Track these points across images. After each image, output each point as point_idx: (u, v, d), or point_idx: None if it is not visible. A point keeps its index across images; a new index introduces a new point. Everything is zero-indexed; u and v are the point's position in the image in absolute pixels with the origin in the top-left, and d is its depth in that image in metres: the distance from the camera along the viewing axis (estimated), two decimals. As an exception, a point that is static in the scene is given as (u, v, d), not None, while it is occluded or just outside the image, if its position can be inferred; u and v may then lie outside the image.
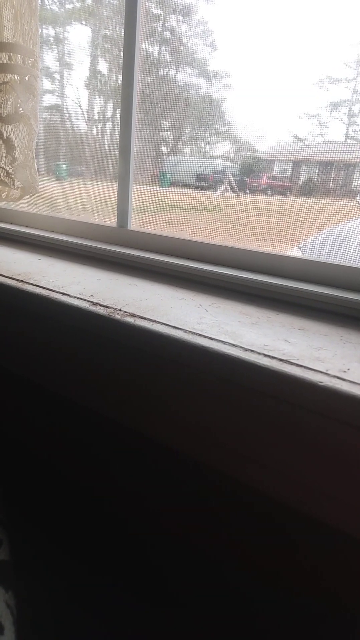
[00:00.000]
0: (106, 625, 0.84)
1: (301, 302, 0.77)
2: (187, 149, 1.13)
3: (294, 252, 0.91)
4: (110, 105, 1.32)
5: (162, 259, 0.92)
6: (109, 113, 1.31)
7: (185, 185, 1.14)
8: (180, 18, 1.05)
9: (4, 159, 0.91)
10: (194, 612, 0.78)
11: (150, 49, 1.09)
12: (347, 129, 0.88)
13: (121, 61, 0.98)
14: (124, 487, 0.83)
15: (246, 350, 0.58)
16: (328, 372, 0.53)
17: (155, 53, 1.10)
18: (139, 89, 1.00)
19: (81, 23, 1.26)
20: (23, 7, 0.86)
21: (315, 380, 0.51)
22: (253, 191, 1.03)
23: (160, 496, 0.77)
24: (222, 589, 0.74)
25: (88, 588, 0.88)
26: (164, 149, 1.15)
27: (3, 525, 0.76)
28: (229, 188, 1.05)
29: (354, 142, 0.87)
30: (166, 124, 1.11)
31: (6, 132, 0.89)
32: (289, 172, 0.98)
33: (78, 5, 1.28)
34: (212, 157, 1.08)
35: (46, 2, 1.28)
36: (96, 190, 1.29)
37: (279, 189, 1.00)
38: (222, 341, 0.60)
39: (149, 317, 0.68)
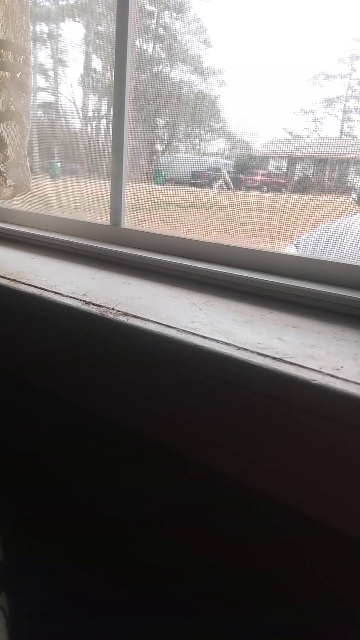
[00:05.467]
0: (102, 626, 0.83)
1: (295, 300, 0.77)
2: (181, 146, 1.12)
3: (290, 249, 0.91)
4: (104, 103, 1.31)
5: (155, 257, 0.92)
6: (103, 110, 1.31)
7: (180, 183, 1.13)
8: (174, 14, 1.04)
9: (-4, 157, 0.91)
10: (193, 612, 0.78)
11: (144, 46, 1.08)
12: (342, 125, 0.87)
13: (114, 58, 0.97)
14: (118, 486, 0.82)
15: (239, 348, 0.57)
16: (321, 370, 0.52)
17: (149, 50, 1.09)
18: (132, 86, 0.99)
19: (74, 20, 1.25)
20: (14, 3, 0.86)
21: (308, 378, 0.51)
22: (248, 188, 1.02)
23: (156, 495, 0.77)
24: (221, 589, 0.74)
25: (84, 589, 0.87)
26: (158, 146, 1.15)
27: (-3, 526, 0.76)
28: (224, 185, 1.04)
29: (349, 138, 0.87)
30: (160, 121, 1.10)
31: (-2, 130, 0.89)
32: (284, 169, 0.97)
33: (71, 1, 1.26)
34: (206, 154, 1.07)
35: (38, -1, 1.27)
36: (90, 188, 1.28)
37: (274, 186, 0.99)
38: (215, 340, 0.60)
39: (142, 316, 0.67)
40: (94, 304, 0.71)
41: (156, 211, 1.10)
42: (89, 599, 0.87)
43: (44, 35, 1.30)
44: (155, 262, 0.92)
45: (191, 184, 1.10)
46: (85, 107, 1.32)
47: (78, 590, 0.87)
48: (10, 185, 0.94)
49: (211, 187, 1.06)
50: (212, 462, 0.66)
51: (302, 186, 0.94)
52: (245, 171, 1.01)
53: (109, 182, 1.04)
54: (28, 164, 0.96)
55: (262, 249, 0.85)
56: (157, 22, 1.06)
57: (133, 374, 0.71)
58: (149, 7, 1.06)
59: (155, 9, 1.06)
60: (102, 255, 1.01)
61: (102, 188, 1.16)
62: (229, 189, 1.04)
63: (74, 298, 0.74)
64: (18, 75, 0.88)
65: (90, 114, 1.31)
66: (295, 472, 0.57)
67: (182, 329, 0.63)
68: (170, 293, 0.80)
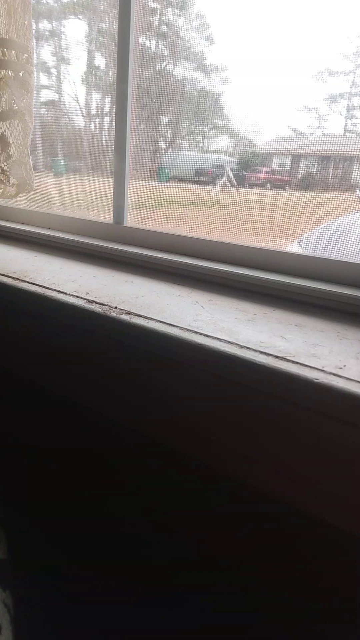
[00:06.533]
0: (105, 624, 0.84)
1: (298, 298, 0.77)
2: (185, 144, 1.12)
3: (293, 247, 0.90)
4: (107, 100, 1.31)
5: (158, 256, 0.92)
6: (106, 108, 1.30)
7: (184, 180, 1.13)
8: (177, 11, 1.04)
9: (-1, 156, 0.91)
10: (194, 612, 0.78)
11: (147, 43, 1.08)
12: (346, 122, 0.86)
13: (117, 56, 0.97)
14: (121, 485, 0.83)
15: (242, 347, 0.57)
16: (324, 368, 0.52)
17: (152, 47, 1.08)
18: (135, 83, 0.99)
19: (77, 17, 1.25)
20: (16, 1, 0.85)
21: (311, 377, 0.51)
22: (252, 185, 1.02)
23: (158, 494, 0.77)
24: (221, 588, 0.74)
25: (86, 587, 0.87)
26: (162, 144, 1.14)
27: (1, 524, 0.76)
28: (227, 183, 1.04)
29: (353, 135, 0.86)
30: (164, 119, 1.10)
31: (0, 128, 0.88)
32: (287, 166, 0.97)
33: (74, -2, 1.26)
34: (210, 152, 1.07)
35: (41, -4, 1.27)
36: (94, 186, 1.28)
37: (278, 183, 0.99)
38: (218, 338, 0.60)
39: (145, 315, 0.67)
40: (97, 303, 0.71)
41: (159, 209, 1.10)
42: (91, 597, 0.87)
43: (47, 32, 1.30)
44: (158, 260, 0.92)
45: (194, 182, 1.10)
46: (88, 104, 1.31)
47: (80, 588, 0.88)
48: (13, 184, 0.94)
49: (215, 185, 1.06)
50: (214, 461, 0.66)
51: (306, 183, 0.94)
52: (249, 168, 1.01)
53: (112, 180, 1.04)
54: (31, 162, 0.96)
55: (265, 247, 0.85)
56: (160, 19, 1.06)
57: (135, 373, 0.71)
58: (151, 4, 1.05)
59: (158, 6, 1.06)
60: (105, 253, 1.01)
61: (105, 186, 1.16)
62: (232, 186, 1.04)
63: (77, 297, 0.74)
64: (21, 74, 0.88)
65: (93, 112, 1.31)
66: (297, 470, 0.57)
67: (185, 327, 0.63)
68: (173, 291, 0.80)
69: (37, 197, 1.38)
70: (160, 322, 0.65)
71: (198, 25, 0.99)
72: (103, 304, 0.71)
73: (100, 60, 1.28)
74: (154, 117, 1.08)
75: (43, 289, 0.78)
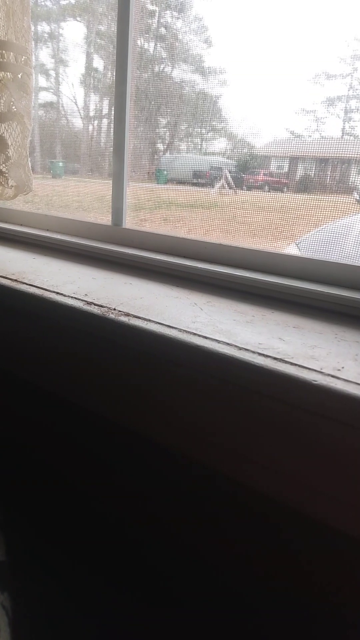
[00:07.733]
0: (103, 626, 0.83)
1: (296, 300, 0.77)
2: (183, 146, 1.12)
3: (291, 249, 0.91)
4: (105, 102, 1.31)
5: (157, 258, 0.92)
6: (105, 110, 1.31)
7: (182, 182, 1.13)
8: (175, 14, 1.04)
9: (-2, 158, 0.91)
10: (193, 613, 0.78)
11: (146, 46, 1.08)
12: (344, 125, 0.87)
13: (115, 58, 0.97)
14: (120, 486, 0.83)
15: (240, 349, 0.57)
16: (322, 370, 0.52)
17: (151, 49, 1.09)
18: (133, 85, 0.99)
19: (76, 19, 1.25)
20: (15, 4, 0.86)
21: (309, 378, 0.51)
22: (250, 188, 1.02)
23: (157, 495, 0.77)
24: (221, 589, 0.74)
25: (85, 589, 0.87)
26: (160, 146, 1.15)
27: (0, 526, 0.76)
28: (225, 185, 1.04)
29: (351, 137, 0.87)
30: (162, 121, 1.10)
31: (-1, 130, 0.89)
32: (285, 169, 0.97)
33: (72, 1, 1.26)
34: (208, 154, 1.07)
35: (39, -1, 1.27)
36: (92, 188, 1.28)
37: (276, 186, 0.99)
38: (216, 340, 0.60)
39: (144, 316, 0.67)
40: (95, 305, 0.71)
41: (157, 211, 1.10)
42: (90, 599, 0.87)
43: (45, 35, 1.30)
44: (156, 262, 0.92)
45: (193, 184, 1.10)
46: (86, 106, 1.32)
47: (79, 589, 0.88)
48: (12, 186, 0.94)
49: (213, 187, 1.06)
50: (212, 462, 0.66)
51: (304, 186, 0.94)
52: (247, 171, 1.01)
53: (111, 182, 1.04)
54: (30, 164, 0.96)
55: (263, 249, 0.85)
56: (158, 21, 1.06)
57: (134, 374, 0.71)
58: (150, 7, 1.06)
59: (157, 9, 1.06)
60: (103, 255, 1.01)
61: (103, 188, 1.16)
62: (230, 188, 1.04)
63: (75, 298, 0.74)
64: (19, 76, 0.88)
65: (91, 114, 1.31)
66: (295, 472, 0.57)
67: (184, 329, 0.63)
68: (172, 293, 0.80)
69: (35, 199, 1.38)
70: (159, 323, 0.65)
71: (196, 28, 0.99)
72: (102, 306, 0.71)
73: (98, 63, 1.28)
74: (152, 119, 1.08)
75: (42, 290, 0.78)
